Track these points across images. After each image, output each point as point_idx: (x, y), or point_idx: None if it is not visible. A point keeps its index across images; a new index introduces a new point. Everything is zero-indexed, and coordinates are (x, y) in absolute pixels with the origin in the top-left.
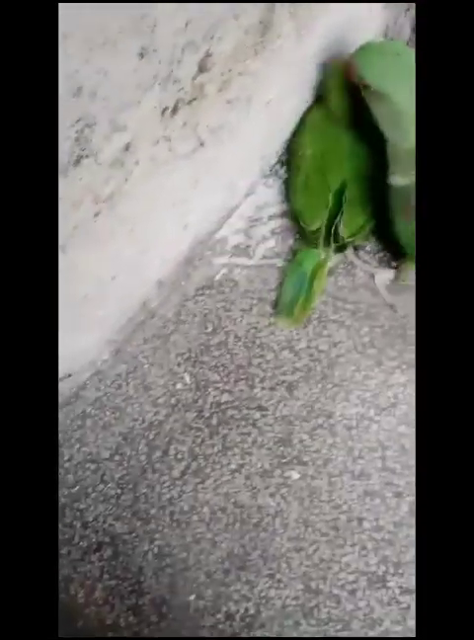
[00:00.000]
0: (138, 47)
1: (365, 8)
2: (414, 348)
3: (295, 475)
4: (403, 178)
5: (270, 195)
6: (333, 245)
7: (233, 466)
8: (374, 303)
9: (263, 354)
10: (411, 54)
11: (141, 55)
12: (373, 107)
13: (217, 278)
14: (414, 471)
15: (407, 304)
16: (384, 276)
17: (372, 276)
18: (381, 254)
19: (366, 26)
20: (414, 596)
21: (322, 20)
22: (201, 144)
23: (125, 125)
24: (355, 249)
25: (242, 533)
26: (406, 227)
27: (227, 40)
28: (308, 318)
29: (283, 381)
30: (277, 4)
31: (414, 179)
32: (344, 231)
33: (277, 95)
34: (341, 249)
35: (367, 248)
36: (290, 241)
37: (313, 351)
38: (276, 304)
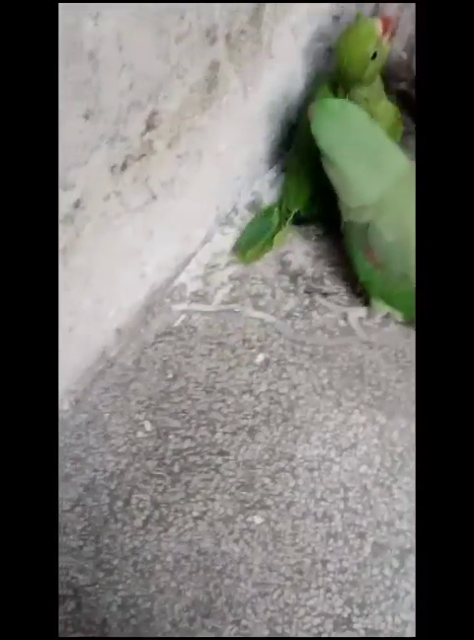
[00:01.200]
0: (83, 109)
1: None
2: (371, 387)
3: (258, 520)
4: (358, 218)
5: (226, 242)
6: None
7: (196, 513)
8: (332, 345)
9: (223, 398)
10: (360, 117)
11: (86, 117)
12: (323, 163)
13: (176, 324)
14: (375, 511)
15: (381, 339)
16: (356, 314)
17: (345, 315)
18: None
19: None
20: (380, 635)
21: (267, 76)
22: (154, 197)
23: (74, 183)
24: (325, 295)
25: (206, 580)
26: (364, 265)
27: (173, 99)
28: (267, 361)
29: (245, 425)
30: (222, 63)
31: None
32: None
33: (228, 147)
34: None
35: (336, 287)
36: (248, 286)
37: (273, 394)
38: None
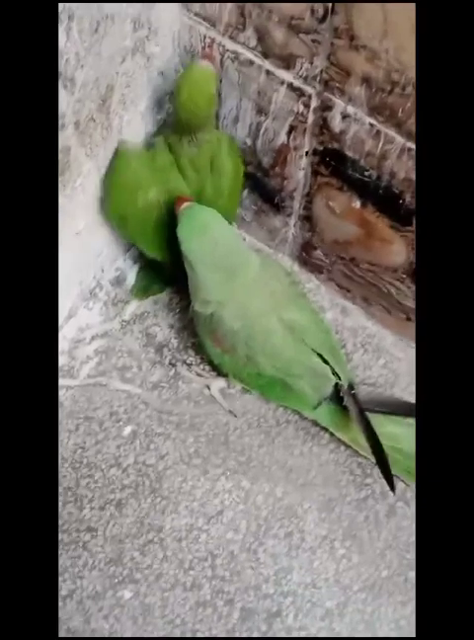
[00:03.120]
0: None
1: None
2: (236, 454)
3: (128, 594)
4: (203, 308)
5: (91, 316)
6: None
7: (64, 592)
8: (197, 414)
9: (91, 473)
10: (223, 229)
11: None
12: (183, 256)
13: None
14: (242, 577)
15: (244, 405)
16: (217, 385)
17: (208, 386)
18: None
19: None
20: None
21: None
22: None
23: None
24: (189, 365)
25: None
26: (213, 350)
27: None
28: (135, 432)
29: (112, 499)
30: (73, 148)
31: (213, 309)
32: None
33: (86, 226)
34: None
35: (200, 358)
36: (114, 359)
37: (141, 465)
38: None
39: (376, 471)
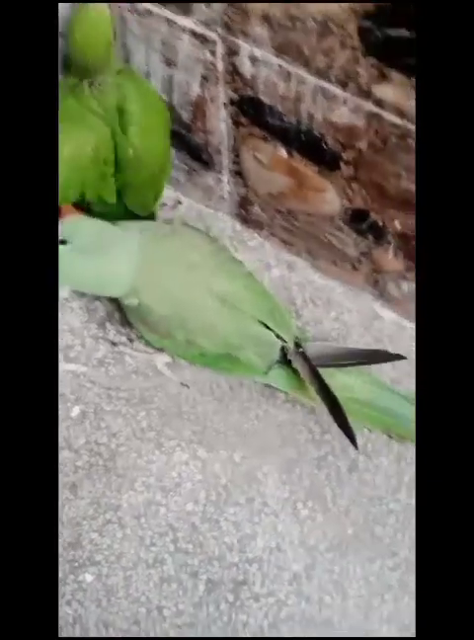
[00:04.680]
0: None
1: None
2: (190, 423)
3: (89, 577)
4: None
5: None
6: None
7: None
8: (147, 387)
9: None
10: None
11: None
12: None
13: None
14: (205, 548)
15: (194, 374)
16: (162, 359)
17: (151, 361)
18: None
19: None
20: None
21: None
22: None
23: None
24: (131, 341)
25: None
26: (151, 336)
27: None
28: (84, 412)
29: (67, 482)
30: None
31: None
32: None
33: None
34: None
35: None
36: None
37: (92, 445)
38: None
39: (335, 427)
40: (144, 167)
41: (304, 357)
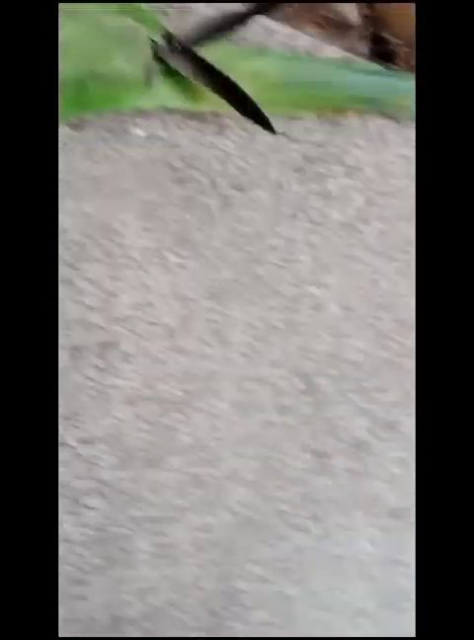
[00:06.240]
0: None
1: None
2: None
3: None
4: None
5: None
6: None
7: None
8: None
9: None
10: None
11: None
12: None
13: None
14: (63, 313)
15: None
16: None
17: None
18: None
19: None
20: None
21: None
22: None
23: None
24: None
25: None
26: None
27: None
28: None
29: None
30: None
31: None
32: None
33: None
34: None
35: None
36: None
37: None
38: None
39: (199, 163)
40: None
41: (183, 47)
